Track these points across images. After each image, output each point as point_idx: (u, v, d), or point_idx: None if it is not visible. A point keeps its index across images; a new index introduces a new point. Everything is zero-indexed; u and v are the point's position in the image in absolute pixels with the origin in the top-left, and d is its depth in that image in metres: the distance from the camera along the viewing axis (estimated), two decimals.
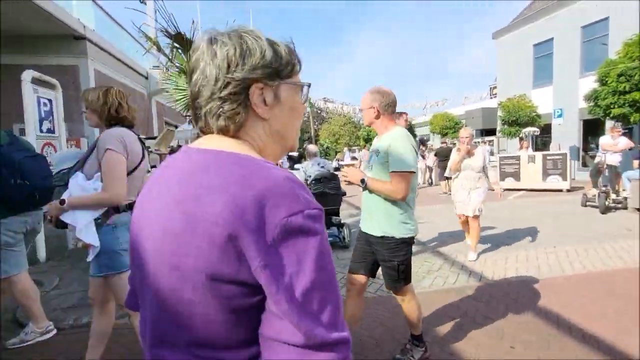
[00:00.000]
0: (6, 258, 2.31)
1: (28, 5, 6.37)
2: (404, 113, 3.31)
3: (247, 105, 0.57)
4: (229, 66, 0.54)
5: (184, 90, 4.24)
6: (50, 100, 4.53)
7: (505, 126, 15.44)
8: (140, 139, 1.89)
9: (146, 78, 12.02)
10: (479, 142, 15.64)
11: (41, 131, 4.34)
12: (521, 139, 12.81)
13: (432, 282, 3.51)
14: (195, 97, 0.57)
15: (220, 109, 0.55)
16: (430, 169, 13.55)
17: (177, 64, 4.12)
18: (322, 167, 4.53)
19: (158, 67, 13.27)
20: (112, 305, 2.02)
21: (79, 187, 1.64)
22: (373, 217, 1.96)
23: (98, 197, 1.61)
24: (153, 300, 0.55)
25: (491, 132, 18.67)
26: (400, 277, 1.95)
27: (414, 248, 2.32)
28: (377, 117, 1.94)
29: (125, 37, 10.80)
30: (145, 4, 12.53)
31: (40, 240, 4.23)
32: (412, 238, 1.97)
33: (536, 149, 14.39)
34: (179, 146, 6.39)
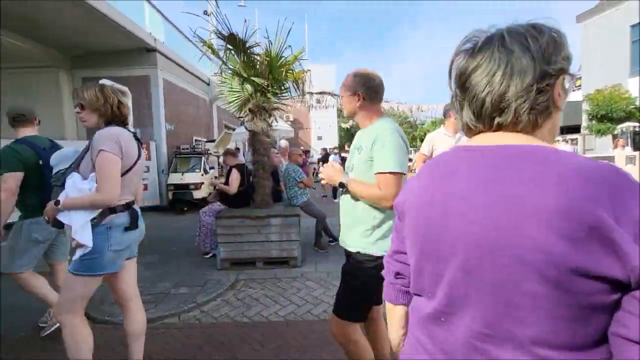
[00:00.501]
0: (26, 253, 2.42)
1: (111, 25, 7.11)
2: (452, 112, 2.92)
3: (551, 98, 0.57)
4: (544, 57, 0.55)
5: (238, 92, 4.24)
6: None
7: (593, 122, 13.31)
8: (136, 137, 1.83)
9: (208, 84, 12.78)
10: (559, 140, 13.72)
11: None
12: (616, 136, 10.89)
13: None
14: (502, 92, 0.57)
15: (536, 102, 0.56)
16: None
17: (231, 66, 4.14)
18: None
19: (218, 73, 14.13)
20: (135, 303, 2.00)
21: (74, 187, 1.62)
22: (351, 229, 1.58)
23: (91, 198, 1.58)
24: (482, 291, 0.54)
25: (574, 129, 16.31)
26: (358, 305, 1.55)
27: None
28: (362, 105, 1.55)
29: (190, 47, 11.61)
30: (209, 15, 13.44)
31: None
32: None
33: (635, 147, 12.12)
34: (237, 148, 6.57)
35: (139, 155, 1.79)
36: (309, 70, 4.58)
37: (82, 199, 1.59)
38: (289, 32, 3.79)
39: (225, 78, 4.30)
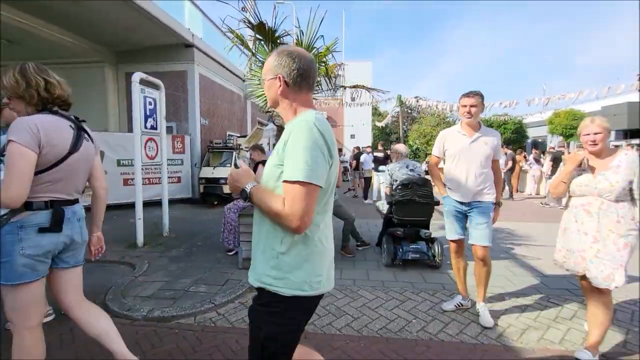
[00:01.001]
0: None
1: (154, 21, 7.32)
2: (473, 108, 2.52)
3: None
4: None
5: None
6: (154, 100, 4.96)
7: None
8: (79, 125, 1.59)
9: (243, 80, 12.91)
10: (621, 145, 12.30)
11: (145, 127, 4.76)
12: None
13: (541, 338, 2.52)
14: None
15: None
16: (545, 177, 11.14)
17: (260, 58, 3.99)
18: (412, 170, 3.85)
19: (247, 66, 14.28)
20: (86, 305, 1.78)
21: None
22: (255, 255, 1.22)
23: None
24: None
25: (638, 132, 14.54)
26: None
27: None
28: (284, 93, 1.18)
29: (226, 43, 11.78)
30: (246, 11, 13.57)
31: (139, 226, 4.63)
32: (310, 300, 1.16)
33: None
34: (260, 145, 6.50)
35: (77, 146, 1.53)
36: (342, 63, 4.33)
37: None
38: (321, 20, 3.55)
39: (254, 71, 4.16)
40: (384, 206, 4.23)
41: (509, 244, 4.88)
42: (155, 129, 5.01)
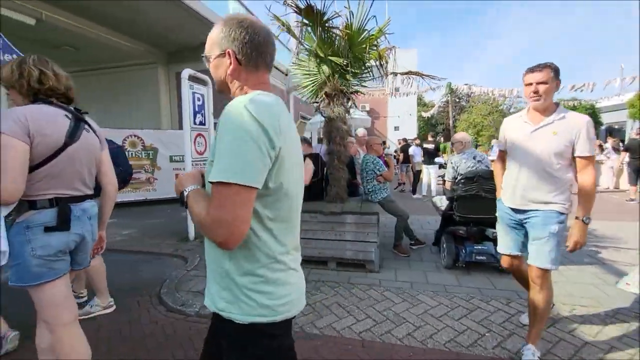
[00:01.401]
0: None
1: (201, 20, 7.50)
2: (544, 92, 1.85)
3: None
4: None
5: (315, 74, 3.87)
6: (202, 96, 5.00)
7: None
8: (76, 116, 1.49)
9: (286, 75, 12.92)
10: None
11: (194, 123, 4.82)
12: None
13: None
14: None
15: None
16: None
17: (307, 46, 3.78)
18: (480, 161, 3.41)
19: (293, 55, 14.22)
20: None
21: None
22: (208, 274, 0.99)
23: None
24: None
25: None
26: None
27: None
28: (235, 73, 0.93)
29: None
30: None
31: (190, 220, 4.72)
32: (274, 326, 0.89)
33: None
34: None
35: (74, 136, 1.45)
36: (393, 47, 3.97)
37: None
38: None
39: (301, 60, 3.97)
40: (442, 202, 3.84)
41: (592, 245, 4.22)
42: (204, 124, 5.06)
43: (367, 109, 25.99)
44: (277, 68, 11.80)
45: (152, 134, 7.91)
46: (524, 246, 2.10)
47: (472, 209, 3.32)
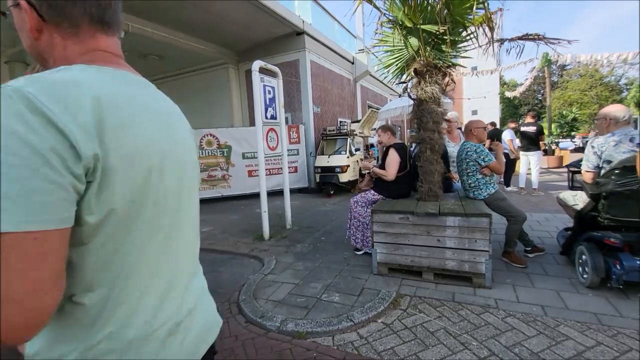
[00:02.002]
0: None
1: (269, 14, 7.37)
2: None
3: None
4: None
5: (400, 50, 3.27)
6: (273, 88, 4.76)
7: None
8: None
9: (352, 63, 12.33)
10: None
11: (266, 118, 4.61)
12: None
13: None
14: None
15: None
16: None
17: (391, 17, 3.20)
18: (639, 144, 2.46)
19: (362, 50, 13.51)
20: None
21: None
22: None
23: None
24: None
25: None
26: None
27: None
28: (40, 34, 0.54)
29: (334, 25, 11.36)
30: None
31: (265, 219, 4.55)
32: None
33: None
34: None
35: None
36: (500, 9, 3.16)
37: None
38: None
39: (386, 35, 3.39)
40: (576, 199, 2.94)
41: None
42: (275, 118, 4.84)
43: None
44: (342, 57, 11.28)
45: (226, 132, 8.11)
46: None
47: (631, 209, 2.41)
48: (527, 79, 15.04)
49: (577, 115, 21.55)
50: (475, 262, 2.72)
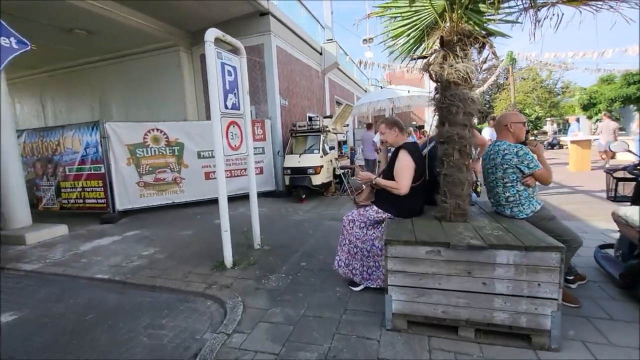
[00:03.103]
0: None
1: None
2: None
3: None
4: None
5: (416, 12, 2.36)
6: (234, 69, 3.65)
7: None
8: None
9: (320, 54, 11.37)
10: None
11: (226, 107, 3.49)
12: None
13: None
14: None
15: None
16: None
17: None
18: None
19: (331, 40, 12.59)
20: None
21: None
22: None
23: None
24: None
25: None
26: None
27: None
28: None
29: (302, 14, 10.30)
30: None
31: (226, 241, 3.45)
32: None
33: None
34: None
35: None
36: None
37: None
38: None
39: None
40: (636, 215, 2.25)
41: None
42: (238, 108, 3.73)
43: (391, 85, 23.78)
44: (310, 46, 10.26)
45: (177, 127, 6.76)
46: None
47: None
48: (484, 75, 15.10)
49: (540, 114, 22.54)
50: (536, 315, 1.90)
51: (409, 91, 6.72)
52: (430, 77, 2.31)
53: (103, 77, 9.45)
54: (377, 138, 2.69)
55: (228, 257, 3.46)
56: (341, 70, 14.11)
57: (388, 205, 2.59)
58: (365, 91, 19.53)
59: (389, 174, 2.60)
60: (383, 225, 2.59)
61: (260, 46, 7.82)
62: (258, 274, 3.27)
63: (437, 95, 2.35)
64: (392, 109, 7.44)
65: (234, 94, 3.63)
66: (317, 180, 6.98)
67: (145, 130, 6.47)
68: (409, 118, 28.00)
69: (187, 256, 3.92)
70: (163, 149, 6.64)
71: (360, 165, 10.53)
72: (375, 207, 2.64)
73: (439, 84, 2.28)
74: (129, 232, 5.23)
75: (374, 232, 2.66)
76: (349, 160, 10.96)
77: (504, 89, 26.38)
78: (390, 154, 2.79)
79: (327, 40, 11.92)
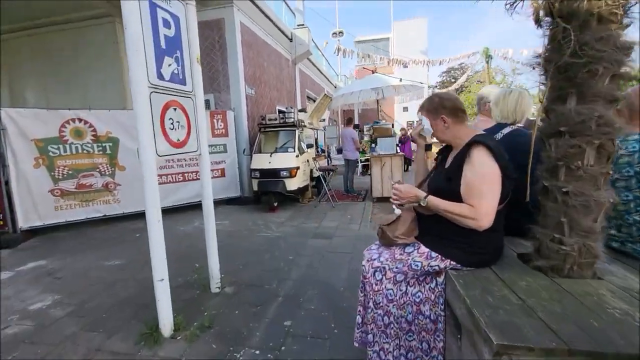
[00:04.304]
0: None
1: None
2: None
3: None
4: None
5: None
6: (176, 19, 2.33)
7: None
8: None
9: (291, 40, 10.10)
10: None
11: (159, 77, 2.17)
12: None
13: None
14: None
15: None
16: None
17: None
18: None
19: (303, 25, 11.34)
20: None
21: None
22: None
23: None
24: None
25: None
26: None
27: None
28: None
29: None
30: None
31: (163, 297, 2.14)
32: None
33: None
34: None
35: None
36: None
37: None
38: None
39: None
40: None
41: None
42: (183, 82, 2.42)
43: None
44: (279, 29, 8.95)
45: (108, 117, 5.19)
46: None
47: None
48: (451, 69, 14.82)
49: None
50: None
51: (400, 79, 5.74)
52: (550, 11, 1.21)
53: (15, 52, 7.43)
54: (427, 124, 1.52)
55: (166, 321, 2.15)
56: (312, 63, 12.95)
57: (448, 243, 1.46)
58: (335, 87, 18.56)
59: (446, 189, 1.47)
60: (439, 280, 1.47)
61: (221, 21, 6.42)
62: (215, 349, 2.01)
63: (549, 48, 1.26)
64: (377, 101, 6.40)
65: (175, 58, 2.32)
66: (292, 184, 5.75)
67: (63, 121, 4.84)
68: (376, 116, 27.55)
69: (105, 309, 2.55)
70: (89, 145, 5.04)
71: (334, 166, 9.46)
72: (423, 248, 1.51)
73: (555, 21, 1.19)
74: (28, 264, 3.67)
75: (419, 291, 1.53)
76: (328, 159, 9.85)
77: (463, 90, 26.90)
78: (437, 155, 1.67)
79: (299, 25, 10.68)
